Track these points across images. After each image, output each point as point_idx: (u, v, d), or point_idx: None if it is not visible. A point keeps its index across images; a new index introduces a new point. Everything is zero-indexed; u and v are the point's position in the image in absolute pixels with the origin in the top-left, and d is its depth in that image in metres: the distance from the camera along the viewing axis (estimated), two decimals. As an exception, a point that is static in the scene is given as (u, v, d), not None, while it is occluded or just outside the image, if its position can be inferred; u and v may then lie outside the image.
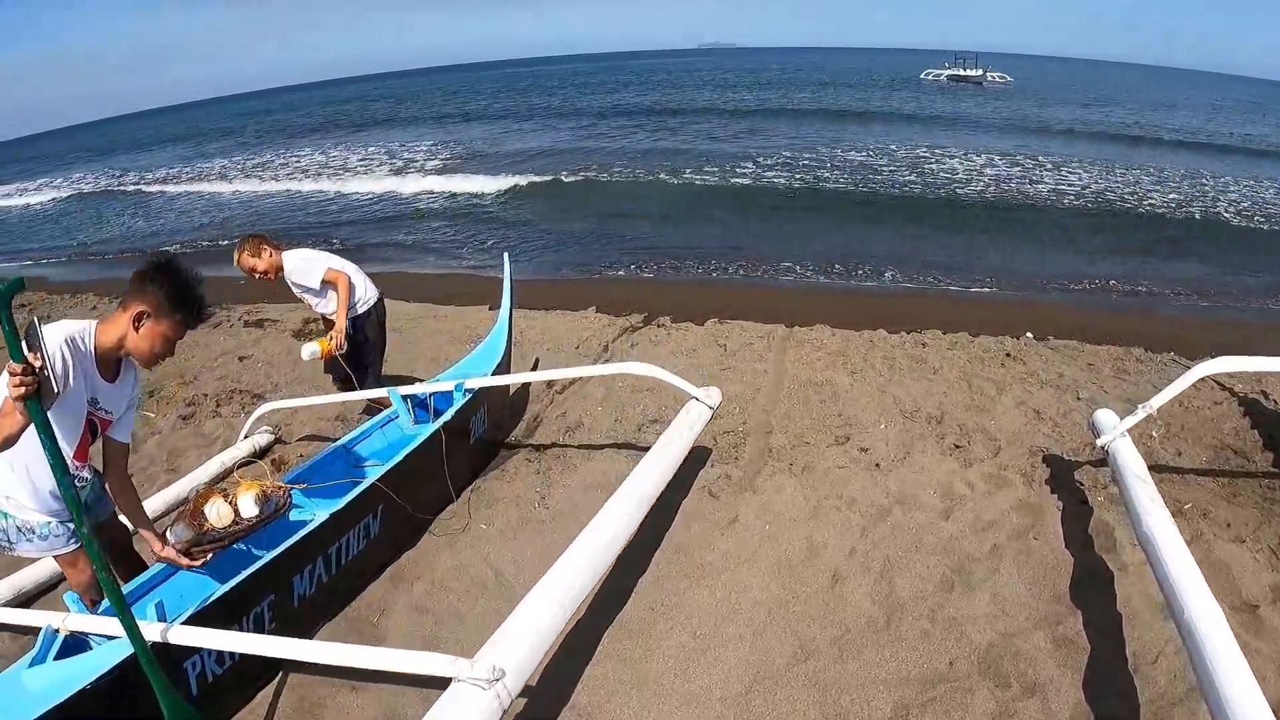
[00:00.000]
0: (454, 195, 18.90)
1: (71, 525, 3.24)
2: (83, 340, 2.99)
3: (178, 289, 2.98)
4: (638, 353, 7.17)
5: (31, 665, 2.98)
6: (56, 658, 3.03)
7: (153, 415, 6.95)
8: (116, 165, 38.36)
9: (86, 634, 3.13)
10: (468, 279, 11.75)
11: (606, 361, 7.12)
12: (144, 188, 28.21)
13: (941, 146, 21.95)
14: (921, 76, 57.45)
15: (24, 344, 2.34)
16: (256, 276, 5.10)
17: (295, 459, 5.69)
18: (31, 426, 2.47)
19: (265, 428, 5.95)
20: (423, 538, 4.50)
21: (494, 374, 5.22)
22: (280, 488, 3.76)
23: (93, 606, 3.38)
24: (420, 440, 4.42)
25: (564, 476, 5.05)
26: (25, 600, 4.24)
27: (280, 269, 5.10)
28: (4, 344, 2.23)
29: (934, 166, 18.80)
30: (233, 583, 3.32)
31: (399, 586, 4.13)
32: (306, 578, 3.69)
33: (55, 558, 3.33)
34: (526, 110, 40.88)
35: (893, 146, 21.87)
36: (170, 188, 27.33)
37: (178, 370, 7.75)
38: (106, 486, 3.37)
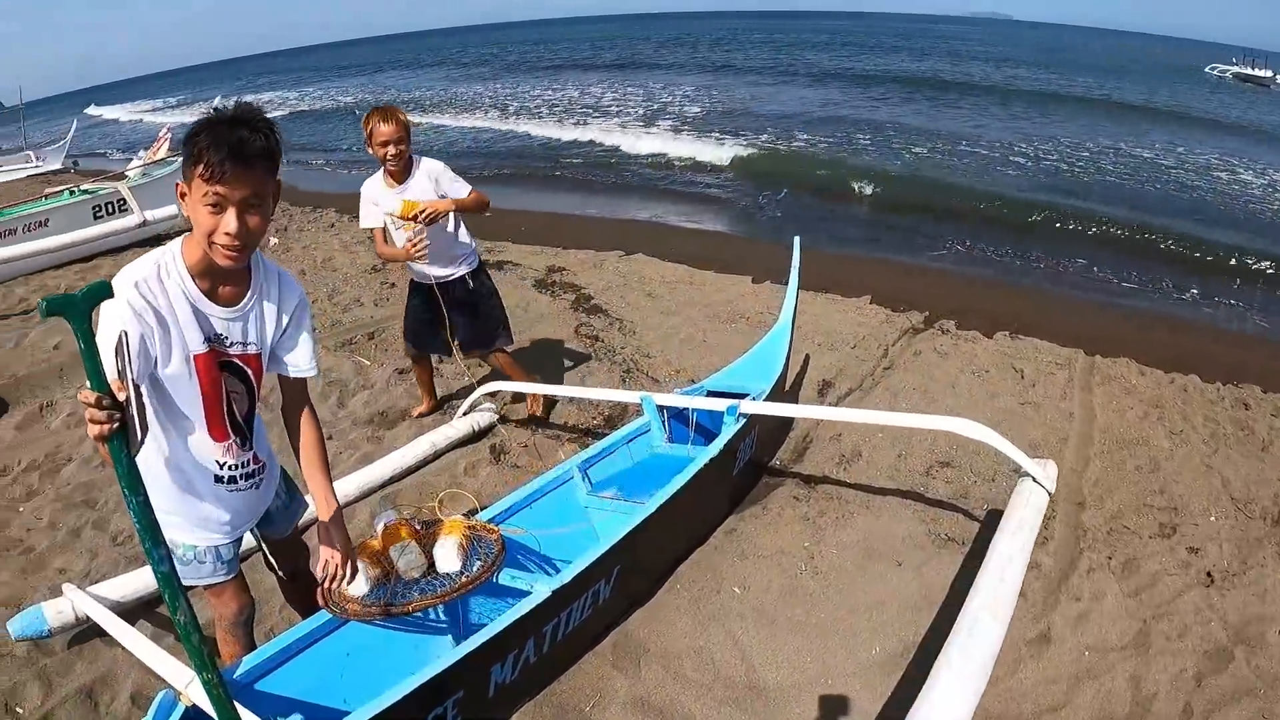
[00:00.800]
0: (717, 146, 17.74)
1: (210, 558, 2.54)
2: (161, 272, 2.17)
3: (189, 138, 2.05)
4: (922, 365, 6.07)
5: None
6: None
7: (368, 362, 6.48)
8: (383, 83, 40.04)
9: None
10: (726, 241, 10.76)
11: (888, 370, 6.01)
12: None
13: (1234, 154, 18.60)
14: (1206, 70, 51.55)
15: (116, 363, 1.81)
16: (383, 149, 4.47)
17: (516, 449, 5.00)
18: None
19: (488, 405, 5.28)
20: (661, 589, 3.69)
21: (771, 393, 4.33)
22: (491, 533, 2.97)
23: (231, 660, 2.71)
24: (688, 477, 3.53)
25: (837, 530, 4.08)
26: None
27: (406, 142, 4.51)
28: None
29: (1225, 177, 16.07)
30: (412, 685, 2.49)
31: (623, 663, 3.29)
32: (510, 664, 2.86)
33: (204, 586, 2.61)
34: (798, 67, 38.41)
35: (1180, 149, 18.81)
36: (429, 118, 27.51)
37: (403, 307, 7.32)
38: (301, 457, 2.55)
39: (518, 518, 3.53)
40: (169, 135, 14.57)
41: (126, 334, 2.01)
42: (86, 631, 3.69)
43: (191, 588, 2.46)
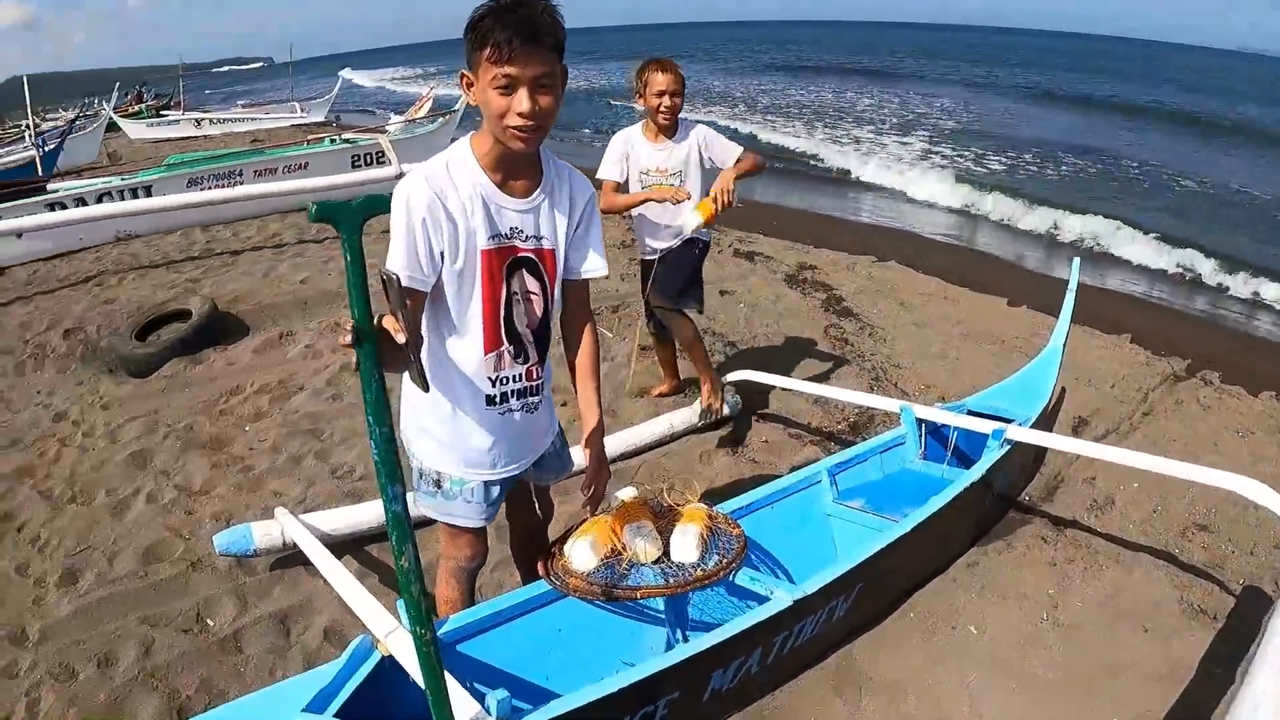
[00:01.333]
0: (974, 163, 16.95)
1: (478, 496, 2.44)
2: (451, 167, 2.16)
3: (471, 19, 2.02)
4: (1183, 415, 5.44)
5: (308, 709, 2.20)
6: (357, 692, 2.29)
7: (610, 334, 6.42)
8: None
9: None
10: (981, 259, 10.14)
11: (1146, 416, 5.37)
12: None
13: None
14: None
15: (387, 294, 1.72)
16: (658, 99, 4.23)
17: (757, 443, 4.79)
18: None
19: (730, 390, 5.06)
20: (894, 615, 3.40)
21: (1037, 422, 3.94)
22: (732, 528, 2.73)
23: (445, 607, 2.65)
24: (945, 501, 3.24)
25: (1085, 581, 3.64)
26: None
27: (682, 95, 4.29)
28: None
29: None
30: (630, 679, 2.33)
31: (845, 688, 3.03)
32: (732, 671, 2.68)
33: (441, 523, 2.55)
34: (1062, 89, 35.18)
35: None
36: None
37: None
38: (575, 367, 2.52)
39: (755, 515, 3.32)
40: (431, 96, 15.36)
41: (409, 209, 2.08)
42: (290, 558, 3.79)
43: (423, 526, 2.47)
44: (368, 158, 11.47)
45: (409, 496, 2.08)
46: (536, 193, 2.26)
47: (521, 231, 2.25)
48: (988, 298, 7.82)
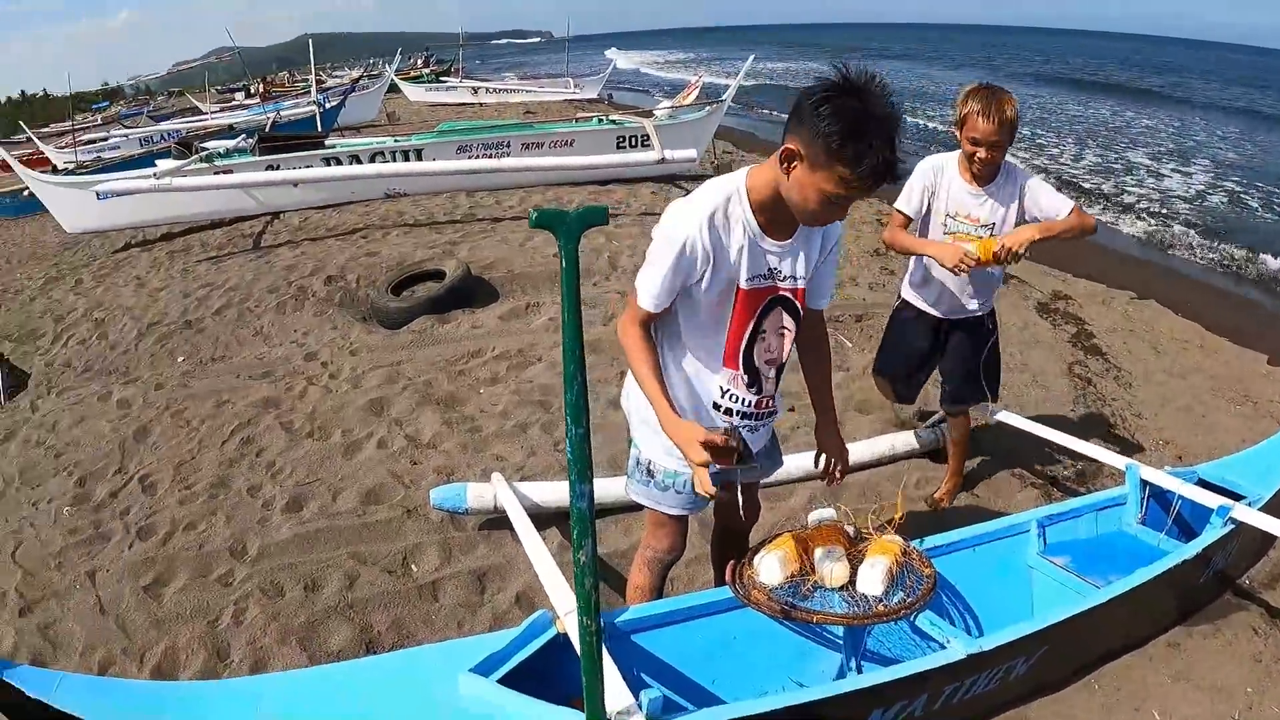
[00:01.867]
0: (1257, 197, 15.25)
1: (688, 489, 2.51)
2: (728, 208, 2.28)
3: (841, 124, 2.02)
4: None
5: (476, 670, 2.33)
6: (527, 662, 2.41)
7: (849, 344, 6.26)
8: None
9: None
10: (1249, 307, 9.19)
11: None
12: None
13: None
14: None
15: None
16: (972, 149, 3.48)
17: (978, 478, 4.57)
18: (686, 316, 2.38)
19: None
20: (1076, 682, 3.15)
21: (1270, 503, 3.47)
22: (924, 566, 2.62)
23: (635, 592, 2.82)
24: (1154, 574, 2.97)
25: None
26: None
27: (1005, 147, 3.50)
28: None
29: None
30: (791, 700, 2.32)
31: None
32: (893, 713, 2.58)
33: (649, 510, 2.69)
34: None
35: None
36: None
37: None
38: (812, 373, 2.74)
39: (954, 556, 3.17)
40: (699, 84, 15.52)
41: (694, 240, 2.23)
42: (498, 521, 3.96)
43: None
44: (633, 140, 11.69)
45: (622, 481, 2.55)
46: (794, 234, 2.37)
47: (780, 272, 2.39)
48: (1248, 352, 7.07)
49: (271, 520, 4.26)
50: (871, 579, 2.50)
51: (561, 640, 2.50)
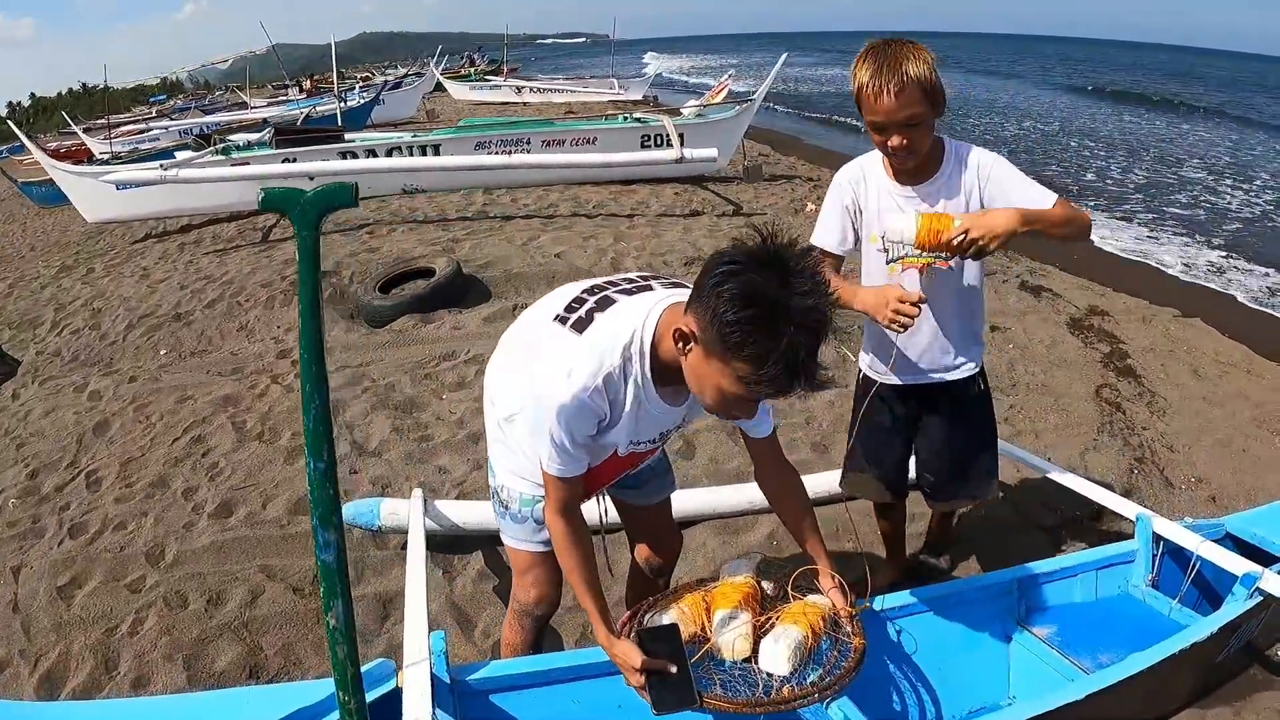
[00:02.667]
0: None
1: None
2: (624, 370, 1.90)
3: (744, 311, 1.60)
4: None
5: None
6: None
7: (852, 357, 5.82)
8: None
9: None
10: None
11: None
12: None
13: None
14: None
15: None
16: (879, 137, 2.41)
17: (971, 517, 4.02)
18: None
19: None
20: None
21: None
22: (855, 636, 2.12)
23: (506, 650, 2.46)
24: (1163, 655, 2.41)
25: None
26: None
27: (926, 127, 2.39)
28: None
29: None
30: None
31: None
32: None
33: (510, 550, 2.37)
34: None
35: None
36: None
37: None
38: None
39: (918, 620, 2.68)
40: (729, 83, 15.23)
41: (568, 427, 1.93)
42: (430, 541, 3.55)
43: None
44: (658, 139, 11.26)
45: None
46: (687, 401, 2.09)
47: (670, 435, 2.26)
48: None
49: (197, 525, 4.03)
50: (775, 657, 2.04)
51: (399, 695, 2.07)
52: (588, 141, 11.29)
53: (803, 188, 11.95)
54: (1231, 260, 11.22)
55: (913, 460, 3.05)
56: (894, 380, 2.76)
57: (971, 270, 2.63)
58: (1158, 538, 2.98)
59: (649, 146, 11.18)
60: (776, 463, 2.26)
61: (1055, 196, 2.49)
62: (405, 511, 3.50)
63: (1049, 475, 3.53)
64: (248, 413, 5.06)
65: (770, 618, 2.16)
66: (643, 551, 2.70)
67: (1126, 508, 3.17)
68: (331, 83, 27.09)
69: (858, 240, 2.68)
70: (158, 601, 3.47)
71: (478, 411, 4.80)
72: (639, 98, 23.72)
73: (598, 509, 2.51)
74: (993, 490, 3.04)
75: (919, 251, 2.38)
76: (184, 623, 3.33)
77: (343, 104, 15.92)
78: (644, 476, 2.46)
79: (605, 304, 1.97)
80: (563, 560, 2.06)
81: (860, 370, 2.95)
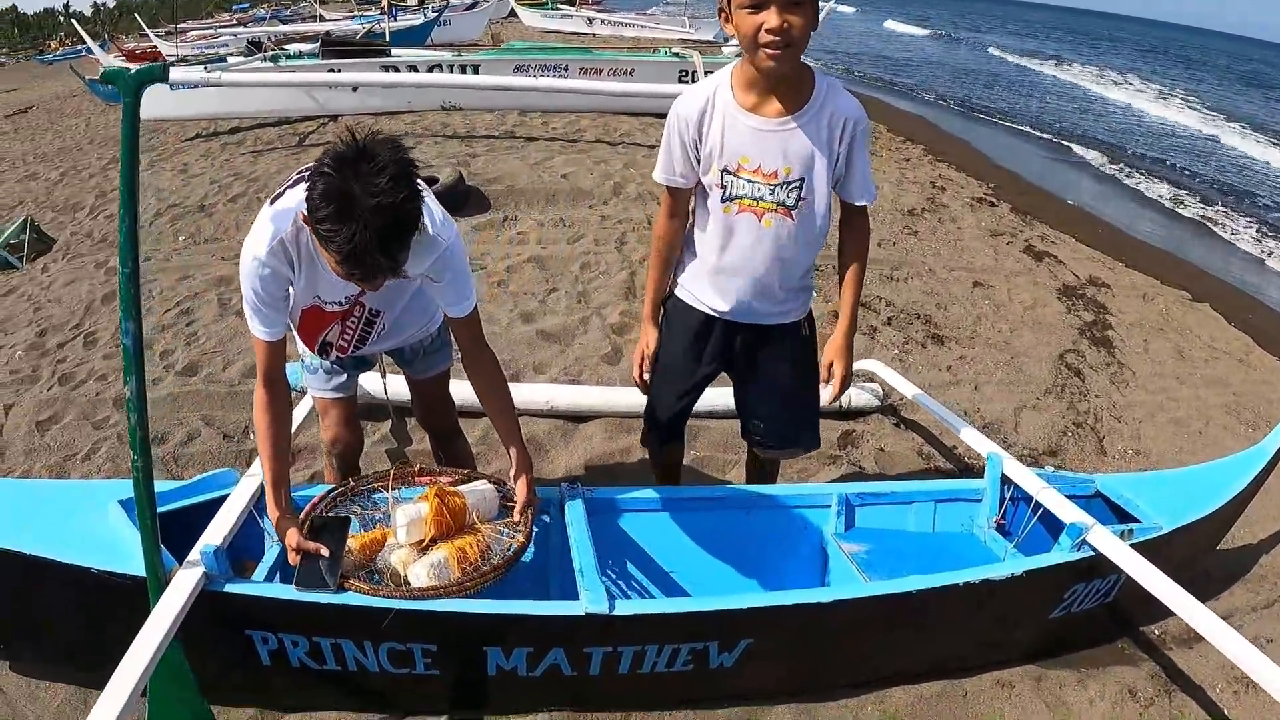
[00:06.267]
0: None
1: (324, 369, 2.64)
2: (297, 236, 2.16)
3: (324, 204, 1.86)
4: None
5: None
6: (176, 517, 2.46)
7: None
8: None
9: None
10: None
11: None
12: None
13: None
14: None
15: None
16: (752, 17, 2.10)
17: (871, 449, 4.17)
18: None
19: (870, 385, 4.42)
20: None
21: (1172, 537, 2.88)
22: (525, 526, 2.35)
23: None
24: (962, 579, 2.48)
25: None
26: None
27: (810, 11, 2.14)
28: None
29: None
30: (406, 604, 2.15)
31: None
32: (514, 658, 2.33)
33: (315, 397, 2.75)
34: None
35: None
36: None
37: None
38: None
39: (729, 514, 2.88)
40: None
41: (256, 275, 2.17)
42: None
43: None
44: (694, 75, 11.29)
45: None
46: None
47: (332, 299, 2.40)
48: None
49: (164, 380, 4.54)
50: (417, 575, 2.20)
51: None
52: (626, 72, 11.34)
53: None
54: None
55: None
56: (718, 311, 2.61)
57: (813, 222, 2.43)
58: (1007, 480, 3.02)
59: (686, 81, 11.19)
60: (473, 349, 2.42)
61: (874, 192, 2.45)
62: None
63: (910, 397, 3.71)
64: (236, 292, 5.36)
65: (436, 538, 2.28)
66: (420, 418, 3.12)
67: (979, 443, 3.20)
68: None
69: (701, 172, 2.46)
70: (112, 437, 4.01)
71: None
72: (709, 38, 23.45)
73: (381, 383, 3.04)
74: (817, 441, 2.91)
75: (761, 192, 2.35)
76: (126, 454, 3.72)
77: (393, 20, 16.13)
78: (415, 353, 2.72)
79: (299, 181, 2.15)
80: (257, 426, 2.29)
81: (678, 303, 2.71)
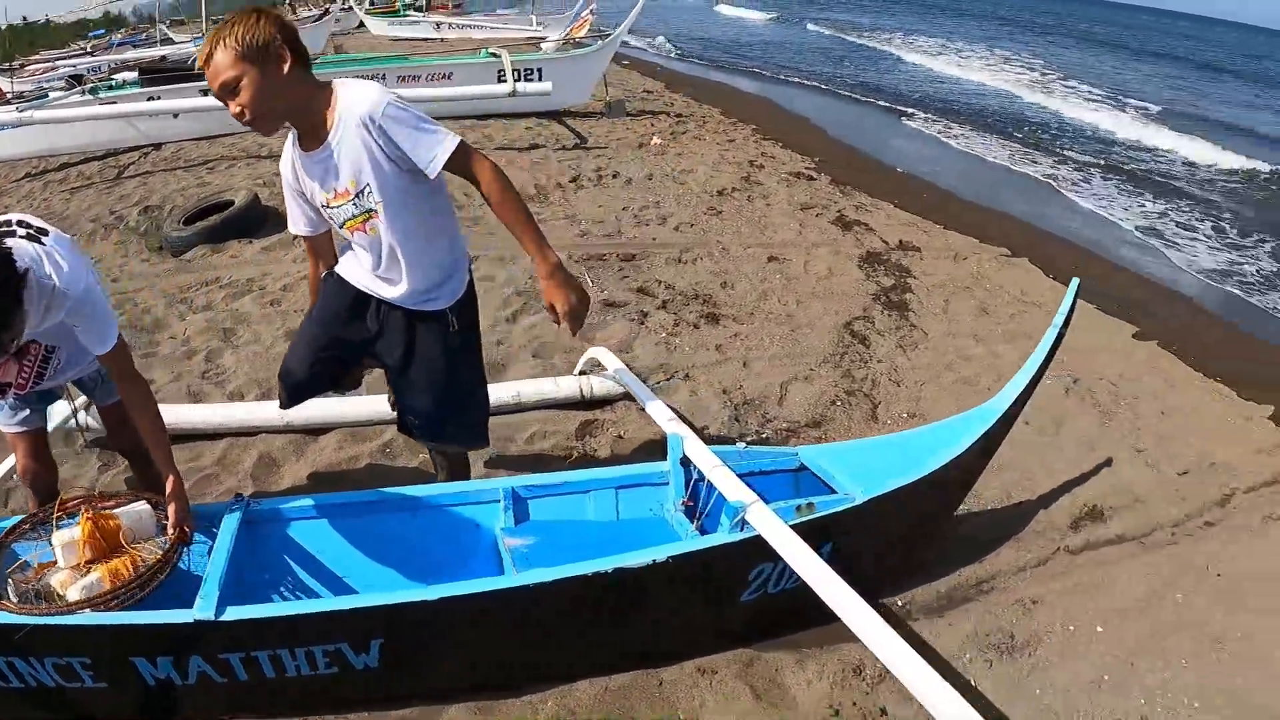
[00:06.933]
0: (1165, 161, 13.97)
1: (13, 404, 2.76)
2: None
3: None
4: (1259, 537, 3.86)
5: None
6: None
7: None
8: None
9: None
10: (1149, 284, 7.82)
11: (1209, 526, 3.91)
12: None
13: None
14: None
15: None
16: (215, 86, 2.29)
17: (608, 437, 4.12)
18: None
19: (602, 369, 4.30)
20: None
21: (864, 511, 2.79)
22: (172, 545, 2.45)
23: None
24: (611, 565, 2.44)
25: None
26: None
27: (260, 90, 2.29)
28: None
29: None
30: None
31: None
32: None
33: (3, 432, 2.86)
34: None
35: None
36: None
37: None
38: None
39: (396, 517, 2.89)
40: (592, 14, 15.03)
41: None
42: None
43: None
44: (518, 74, 11.24)
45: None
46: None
47: None
48: (1114, 323, 6.29)
49: None
50: (73, 595, 2.32)
51: None
52: (444, 77, 11.25)
53: (663, 123, 12.00)
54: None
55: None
56: (371, 290, 2.71)
57: (404, 214, 2.52)
58: (687, 461, 2.98)
59: (504, 81, 11.19)
60: (122, 381, 2.58)
61: (455, 142, 2.38)
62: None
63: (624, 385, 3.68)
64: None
65: (96, 559, 2.41)
66: (111, 442, 3.33)
67: (667, 426, 3.12)
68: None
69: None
70: None
71: (204, 330, 5.24)
72: (559, 36, 23.43)
73: (70, 408, 3.15)
74: (481, 440, 2.97)
75: (350, 211, 2.52)
76: None
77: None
78: (94, 382, 2.93)
79: None
80: None
81: (332, 275, 2.80)
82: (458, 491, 2.93)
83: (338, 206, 2.52)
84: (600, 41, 12.28)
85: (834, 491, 2.94)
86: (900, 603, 3.24)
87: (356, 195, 2.47)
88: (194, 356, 4.90)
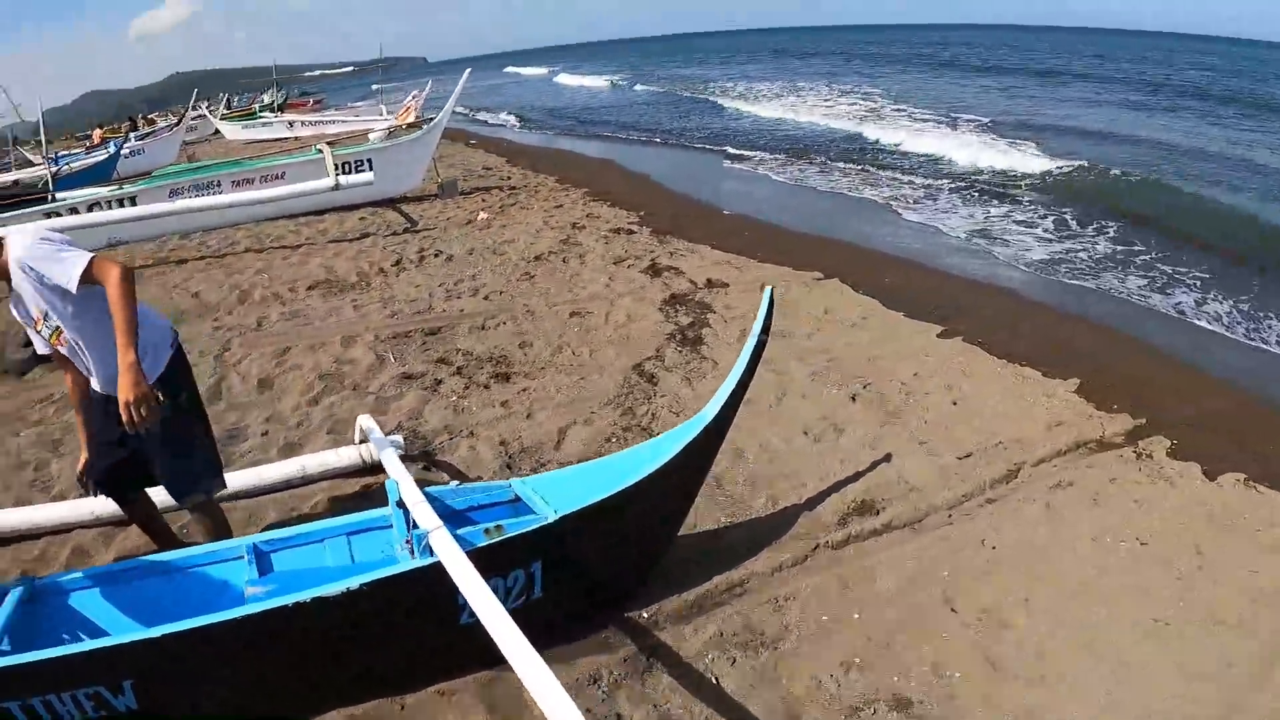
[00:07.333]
0: (995, 170, 14.83)
1: None
2: None
3: None
4: (1051, 511, 4.19)
5: None
6: None
7: (393, 360, 6.21)
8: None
9: None
10: (966, 284, 8.29)
11: (990, 504, 4.27)
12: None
13: None
14: None
15: None
16: None
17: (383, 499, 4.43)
18: None
19: (394, 435, 4.73)
20: None
21: (552, 527, 3.10)
22: None
23: None
24: (281, 602, 2.69)
25: None
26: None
27: None
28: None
29: None
30: None
31: None
32: None
33: None
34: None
35: None
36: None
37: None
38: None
39: (141, 585, 3.16)
40: (417, 102, 15.50)
41: None
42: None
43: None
44: (346, 167, 11.63)
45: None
46: None
47: None
48: (918, 326, 6.66)
49: None
50: None
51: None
52: (278, 177, 11.61)
53: (494, 198, 12.47)
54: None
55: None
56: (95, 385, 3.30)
57: (84, 323, 3.09)
58: (401, 506, 3.16)
59: (341, 173, 11.59)
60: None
61: (85, 260, 2.89)
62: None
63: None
64: None
65: None
66: None
67: (391, 473, 3.48)
68: (121, 131, 26.48)
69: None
70: None
71: (35, 442, 5.30)
72: (411, 121, 23.96)
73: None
74: (215, 481, 3.50)
75: (44, 331, 3.15)
76: None
77: (55, 166, 15.87)
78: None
79: None
80: None
81: (83, 388, 3.42)
82: (207, 551, 3.29)
83: (39, 332, 3.18)
84: (425, 127, 12.73)
85: (532, 515, 3.28)
86: (646, 615, 3.49)
87: (44, 318, 3.10)
88: (25, 469, 5.01)
